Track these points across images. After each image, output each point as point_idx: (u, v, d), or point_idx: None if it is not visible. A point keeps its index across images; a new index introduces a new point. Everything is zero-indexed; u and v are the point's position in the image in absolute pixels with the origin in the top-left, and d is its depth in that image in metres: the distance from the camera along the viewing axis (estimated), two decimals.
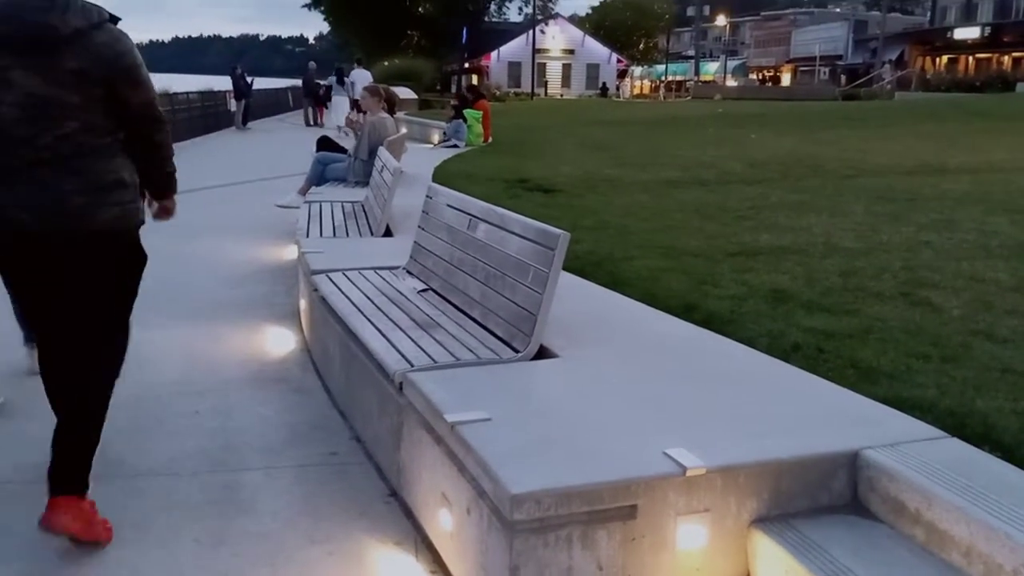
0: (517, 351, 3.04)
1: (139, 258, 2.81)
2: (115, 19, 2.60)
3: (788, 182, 9.74)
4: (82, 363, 2.66)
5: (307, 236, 5.51)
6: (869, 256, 5.59)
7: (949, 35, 47.95)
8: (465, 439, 2.27)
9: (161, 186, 2.90)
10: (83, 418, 2.65)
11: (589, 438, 2.34)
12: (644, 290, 4.43)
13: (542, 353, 3.06)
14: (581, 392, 2.73)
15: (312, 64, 25.17)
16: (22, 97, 2.44)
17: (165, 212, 2.99)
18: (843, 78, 50.56)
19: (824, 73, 57.60)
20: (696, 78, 64.23)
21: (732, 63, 72.25)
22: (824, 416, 2.56)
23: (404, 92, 24.42)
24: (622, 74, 59.97)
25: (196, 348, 4.48)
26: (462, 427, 2.33)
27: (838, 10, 77.09)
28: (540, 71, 50.93)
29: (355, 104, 21.31)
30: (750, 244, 6.02)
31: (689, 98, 50.44)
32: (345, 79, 22.36)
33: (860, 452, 2.29)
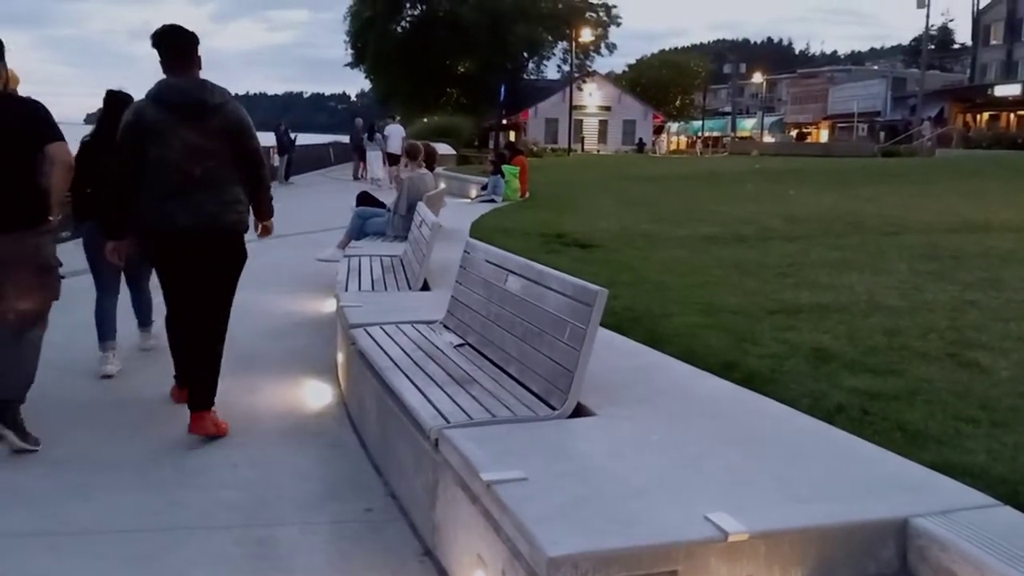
0: (554, 409, 3.01)
1: (244, 250, 4.14)
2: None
3: (828, 239, 9.65)
4: (211, 318, 4.04)
5: (346, 290, 5.57)
6: (914, 315, 5.48)
7: (990, 92, 47.59)
8: (501, 499, 2.24)
9: (264, 208, 4.31)
10: (211, 360, 4.01)
11: (628, 500, 2.29)
12: (683, 347, 4.38)
13: (579, 411, 3.03)
14: (619, 452, 2.69)
15: (359, 120, 25.68)
16: (184, 145, 3.84)
17: (266, 231, 4.49)
18: (882, 135, 50.31)
19: (862, 130, 57.40)
20: (733, 134, 64.54)
21: (769, 119, 72.46)
22: (871, 481, 2.48)
23: (443, 148, 24.81)
24: (658, 130, 60.46)
25: (234, 399, 4.50)
26: (498, 486, 2.31)
27: (875, 67, 77.25)
28: (577, 127, 51.53)
29: (388, 157, 22.18)
30: (791, 302, 5.95)
31: (726, 154, 50.60)
32: (378, 134, 22.90)
33: (909, 520, 2.21)
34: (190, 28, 4.08)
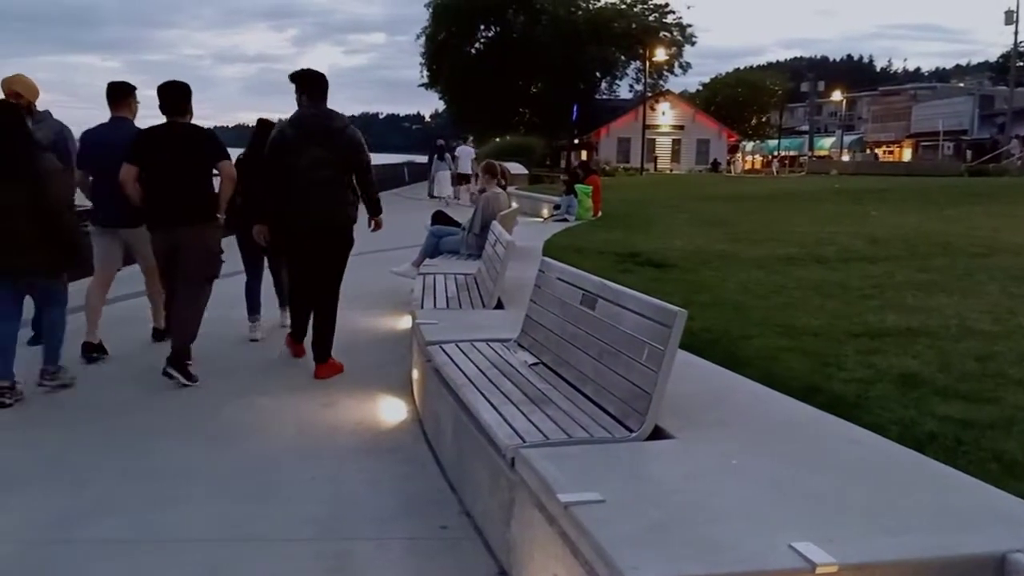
0: (631, 430, 2.96)
1: (352, 239, 5.43)
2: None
3: (914, 260, 9.32)
4: (328, 289, 5.40)
5: (422, 307, 5.62)
6: (1008, 340, 5.23)
7: None
8: (579, 521, 2.21)
9: (373, 207, 5.66)
10: (328, 323, 5.40)
11: (708, 525, 2.23)
12: (763, 370, 4.28)
13: (657, 433, 2.98)
14: (699, 476, 2.62)
15: (440, 141, 26.22)
16: (312, 157, 5.13)
17: (377, 225, 5.76)
18: (968, 154, 48.52)
19: (948, 148, 55.49)
20: (810, 153, 63.15)
21: (848, 138, 70.70)
22: (966, 513, 2.36)
23: (516, 167, 24.99)
24: (733, 149, 59.62)
25: (310, 413, 4.59)
26: (576, 508, 2.27)
27: (961, 85, 74.65)
28: (650, 146, 51.24)
29: (457, 177, 23.10)
30: (875, 325, 5.75)
31: (803, 173, 49.55)
32: (448, 154, 23.50)
33: (1008, 556, 2.09)
34: (321, 70, 5.39)
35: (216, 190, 5.37)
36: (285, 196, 5.18)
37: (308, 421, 4.47)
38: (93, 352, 5.66)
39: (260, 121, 6.42)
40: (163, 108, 5.19)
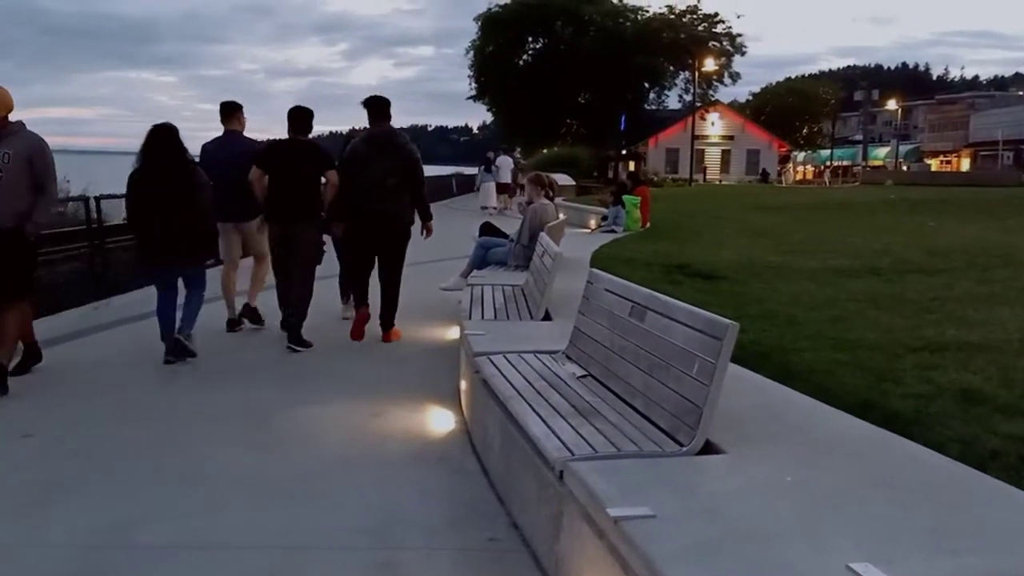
0: (682, 445, 2.92)
1: (410, 234, 6.58)
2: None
3: (974, 272, 9.07)
4: (393, 273, 6.63)
5: (469, 318, 5.63)
6: None
7: None
8: (629, 536, 2.18)
9: (425, 214, 6.73)
10: (393, 298, 6.64)
11: (762, 543, 2.18)
12: (816, 385, 4.19)
13: (708, 448, 2.93)
14: (751, 492, 2.57)
15: (491, 154, 26.65)
16: (381, 168, 6.31)
17: (428, 231, 6.80)
18: None
19: (1007, 158, 53.99)
20: (864, 163, 62.00)
21: (904, 147, 69.24)
22: None
23: (563, 179, 24.98)
24: (784, 160, 58.81)
25: (359, 424, 4.62)
26: (626, 523, 2.25)
27: (1021, 93, 72.63)
28: (698, 157, 50.81)
29: (500, 187, 23.83)
30: (934, 339, 5.60)
31: (857, 183, 48.67)
32: (494, 166, 24.13)
33: None
34: (386, 96, 6.57)
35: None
36: (359, 199, 6.37)
37: (358, 430, 4.50)
38: (237, 326, 6.95)
39: (351, 131, 7.76)
40: (290, 127, 6.46)
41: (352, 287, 6.92)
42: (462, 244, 9.59)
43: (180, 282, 6.06)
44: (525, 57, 50.77)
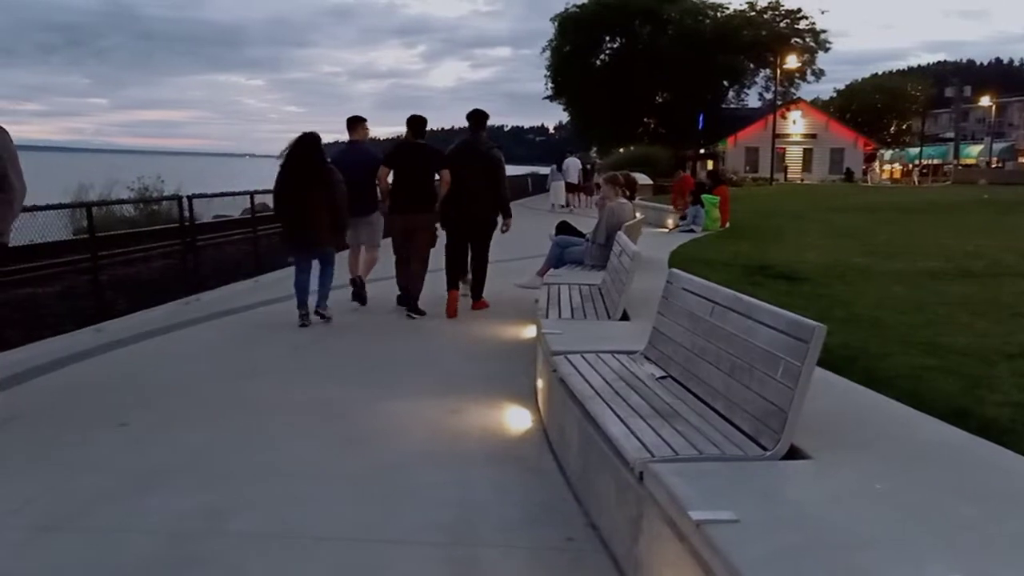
0: (765, 449, 2.86)
1: (495, 225, 7.90)
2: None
3: None
4: (482, 256, 8.07)
5: (546, 317, 5.64)
6: None
7: None
8: (713, 540, 2.15)
9: (505, 212, 7.97)
10: (481, 275, 8.09)
11: (850, 552, 2.13)
12: (906, 390, 4.04)
13: (792, 453, 2.86)
14: (839, 500, 2.50)
15: (569, 153, 28.33)
16: (473, 171, 7.66)
17: (507, 227, 8.04)
18: None
19: None
20: (956, 162, 59.58)
21: (998, 145, 66.23)
22: None
23: (640, 178, 24.84)
24: (870, 158, 56.98)
25: (437, 420, 4.68)
26: (709, 527, 2.22)
27: None
28: (779, 156, 49.65)
29: (569, 187, 25.59)
30: None
31: (948, 183, 46.80)
32: (561, 166, 25.86)
33: None
34: (485, 109, 7.97)
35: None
36: (456, 197, 7.66)
37: (436, 427, 4.56)
38: (358, 289, 8.15)
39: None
40: (409, 131, 7.84)
41: (447, 272, 7.99)
42: (538, 243, 9.60)
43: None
44: (602, 57, 50.52)
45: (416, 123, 7.87)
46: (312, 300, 7.31)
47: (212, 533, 3.22)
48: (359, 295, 8.12)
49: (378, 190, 7.88)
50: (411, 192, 7.61)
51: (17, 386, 5.31)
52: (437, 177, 7.86)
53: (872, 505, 2.46)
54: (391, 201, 7.71)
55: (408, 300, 7.71)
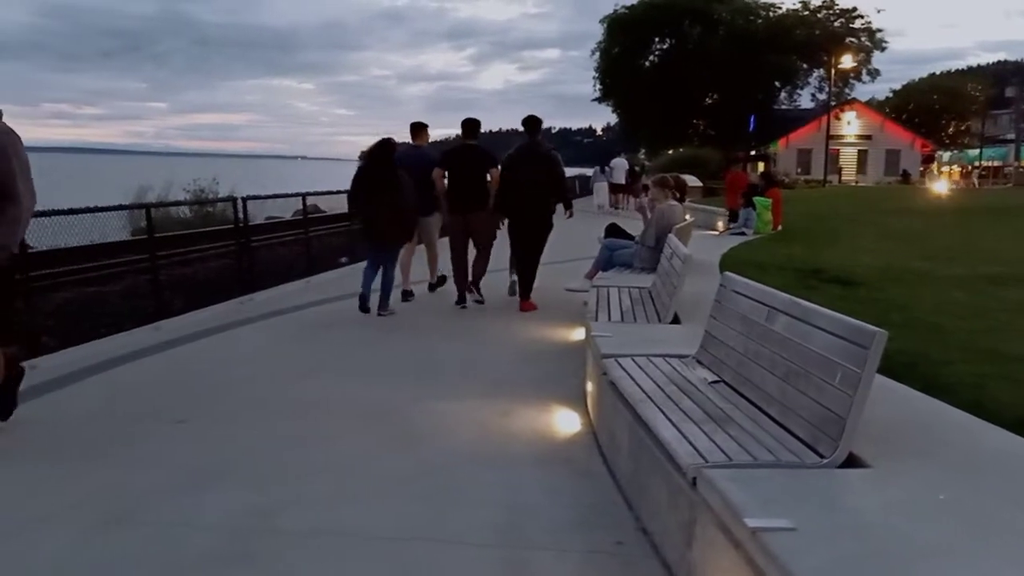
0: (822, 456, 2.80)
1: (552, 224, 8.22)
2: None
3: None
4: (534, 255, 8.27)
5: (596, 320, 5.61)
6: None
7: None
8: (770, 548, 2.11)
9: (567, 203, 8.67)
10: (531, 274, 8.26)
11: (912, 563, 2.07)
12: (968, 398, 3.93)
13: (850, 461, 2.80)
14: (900, 509, 2.44)
15: (617, 154, 28.56)
16: (529, 171, 8.03)
17: (570, 215, 8.71)
18: None
19: None
20: (1017, 163, 57.78)
21: None
22: None
23: (690, 180, 24.65)
24: (927, 160, 55.61)
25: (487, 421, 4.69)
26: (765, 535, 2.18)
27: None
28: (833, 157, 48.73)
29: (613, 187, 25.64)
30: None
31: (1009, 185, 45.45)
32: (607, 167, 26.02)
33: None
34: (540, 116, 8.37)
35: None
36: (512, 198, 8.07)
37: (486, 428, 4.57)
38: (410, 296, 8.69)
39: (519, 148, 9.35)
40: (464, 134, 8.41)
41: (514, 270, 8.73)
42: (586, 245, 9.57)
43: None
44: (651, 58, 50.21)
45: (469, 125, 8.32)
46: (374, 298, 7.83)
47: (265, 530, 3.27)
48: (441, 284, 9.10)
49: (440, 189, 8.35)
50: (466, 191, 8.14)
51: (82, 381, 5.47)
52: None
53: (934, 515, 2.40)
54: (448, 201, 8.24)
55: (466, 294, 8.29)
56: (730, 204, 17.23)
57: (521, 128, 8.43)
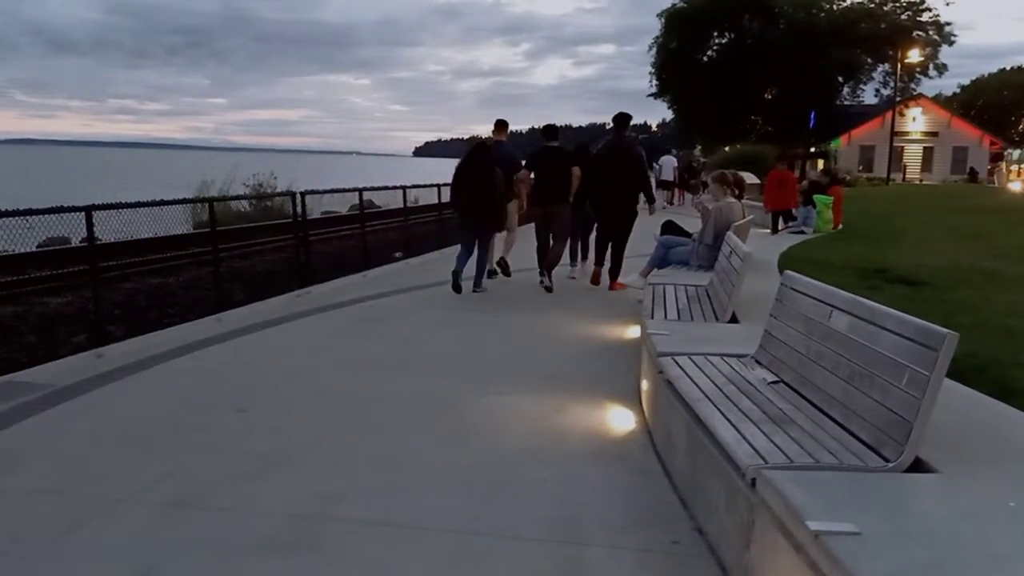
0: (887, 460, 2.74)
1: (636, 213, 9.28)
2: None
3: None
4: (621, 242, 9.29)
5: (651, 317, 5.56)
6: None
7: None
8: (833, 553, 2.07)
9: (649, 198, 9.56)
10: (619, 258, 9.31)
11: (982, 571, 2.02)
12: None
13: (917, 466, 2.73)
14: (969, 516, 2.37)
15: (673, 151, 28.26)
16: (607, 168, 9.10)
17: (652, 210, 9.73)
18: None
19: None
20: None
21: None
22: None
23: (748, 178, 24.32)
24: (997, 157, 53.83)
25: (541, 417, 4.69)
26: (828, 538, 2.14)
27: None
28: (897, 155, 47.45)
29: (660, 184, 25.13)
30: None
31: None
32: (655, 164, 25.45)
33: None
34: (629, 112, 9.44)
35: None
36: (599, 192, 9.14)
37: (540, 424, 4.57)
38: (494, 274, 9.60)
39: (579, 145, 10.10)
40: (544, 136, 9.55)
41: (596, 251, 9.61)
42: (641, 242, 9.49)
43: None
44: (710, 52, 49.43)
45: (550, 130, 9.66)
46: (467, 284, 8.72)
47: (323, 518, 3.33)
48: (504, 270, 9.73)
49: (519, 186, 9.47)
50: (549, 187, 9.23)
51: (148, 369, 5.63)
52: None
53: (1005, 523, 2.33)
54: (533, 194, 9.44)
55: (547, 269, 9.21)
56: (770, 206, 15.28)
57: (577, 125, 8.89)
